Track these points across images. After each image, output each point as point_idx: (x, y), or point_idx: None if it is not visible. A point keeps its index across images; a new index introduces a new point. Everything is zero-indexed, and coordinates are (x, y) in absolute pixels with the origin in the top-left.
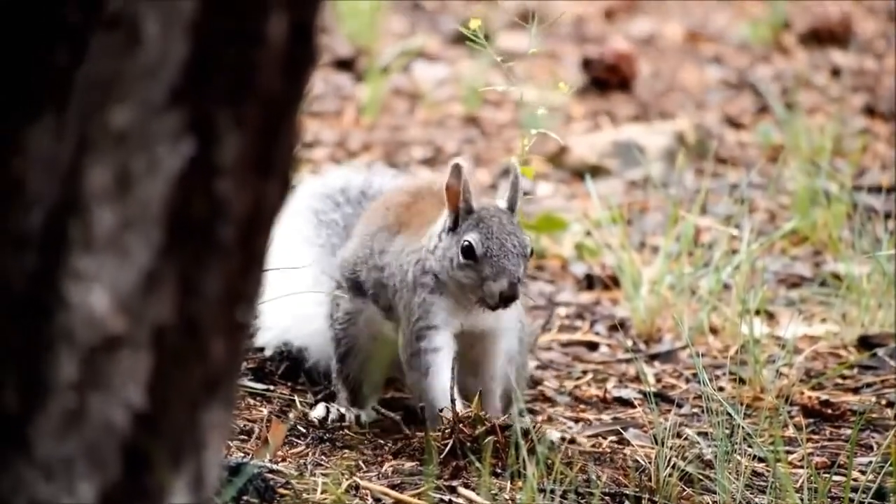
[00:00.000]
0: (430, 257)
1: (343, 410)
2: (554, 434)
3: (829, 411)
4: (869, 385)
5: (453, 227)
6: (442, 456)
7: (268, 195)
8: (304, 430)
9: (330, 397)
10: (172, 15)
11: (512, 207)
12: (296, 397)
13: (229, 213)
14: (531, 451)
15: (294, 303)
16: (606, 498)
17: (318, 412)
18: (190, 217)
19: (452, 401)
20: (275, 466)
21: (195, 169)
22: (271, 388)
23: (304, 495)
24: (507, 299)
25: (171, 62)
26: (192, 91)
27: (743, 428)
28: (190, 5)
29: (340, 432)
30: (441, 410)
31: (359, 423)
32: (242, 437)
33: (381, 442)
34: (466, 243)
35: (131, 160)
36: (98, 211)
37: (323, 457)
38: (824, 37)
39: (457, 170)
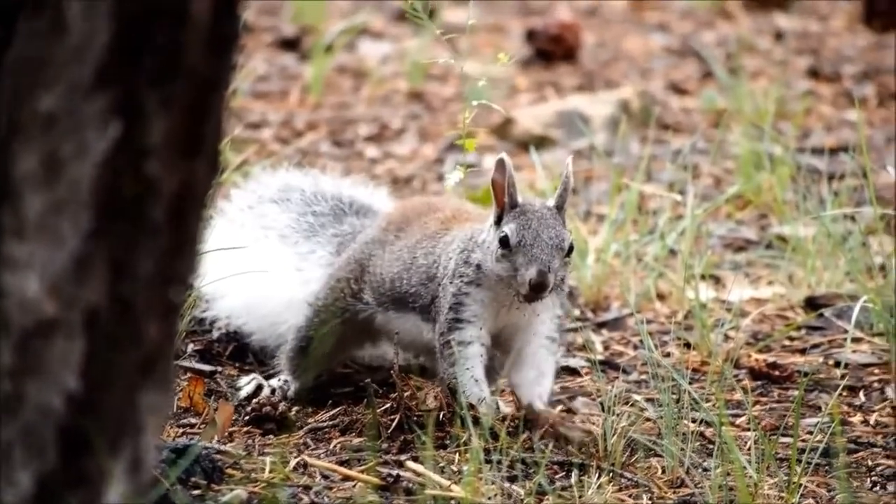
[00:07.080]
0: (476, 249)
1: (277, 384)
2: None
3: (777, 373)
4: (816, 346)
5: (497, 222)
6: (389, 431)
7: (197, 174)
8: (248, 410)
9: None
10: None
11: (560, 206)
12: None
13: (159, 193)
14: (475, 421)
15: (247, 285)
16: (554, 466)
17: (246, 389)
18: (120, 199)
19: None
20: (221, 447)
21: (123, 150)
22: (218, 369)
23: (252, 475)
24: (536, 288)
25: (95, 45)
26: (118, 73)
27: (689, 393)
28: None
29: (282, 411)
30: (480, 401)
31: (295, 395)
32: (189, 418)
33: (328, 419)
34: (503, 234)
35: (60, 144)
36: (28, 196)
37: (270, 436)
38: (767, 0)
39: (501, 165)
